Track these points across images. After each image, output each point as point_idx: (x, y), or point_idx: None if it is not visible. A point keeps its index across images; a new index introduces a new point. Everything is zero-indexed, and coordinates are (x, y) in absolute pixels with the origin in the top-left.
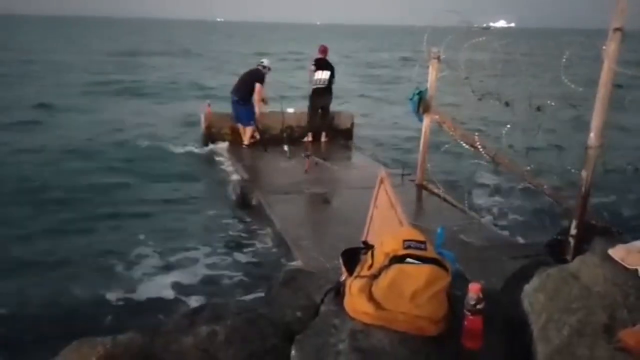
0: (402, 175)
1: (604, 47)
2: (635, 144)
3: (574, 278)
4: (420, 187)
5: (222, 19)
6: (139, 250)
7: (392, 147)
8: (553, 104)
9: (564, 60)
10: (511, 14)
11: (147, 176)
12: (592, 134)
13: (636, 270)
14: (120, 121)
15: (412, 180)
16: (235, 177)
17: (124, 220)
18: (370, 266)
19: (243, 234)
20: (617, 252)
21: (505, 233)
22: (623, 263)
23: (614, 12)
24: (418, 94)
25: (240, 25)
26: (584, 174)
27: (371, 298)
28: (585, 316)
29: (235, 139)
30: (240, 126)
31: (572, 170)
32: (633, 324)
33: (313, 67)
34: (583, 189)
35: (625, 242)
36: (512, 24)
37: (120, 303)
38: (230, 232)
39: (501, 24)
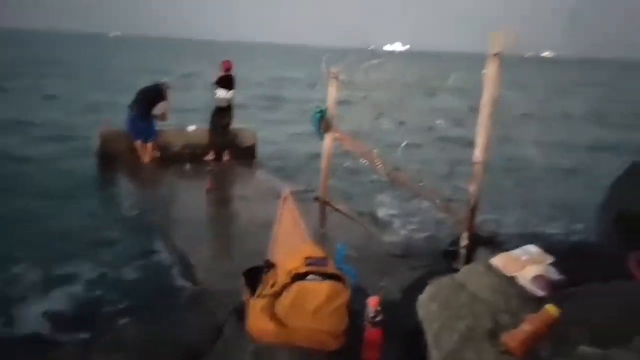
0: (306, 192)
1: (484, 71)
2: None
3: (463, 287)
4: (323, 204)
5: (119, 33)
6: (16, 270)
7: (296, 165)
8: (443, 122)
9: (450, 81)
10: (407, 38)
11: (35, 194)
12: (477, 151)
13: (515, 277)
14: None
15: (316, 198)
16: (133, 194)
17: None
18: (273, 285)
19: (142, 254)
20: (498, 261)
21: (404, 246)
22: (504, 271)
23: (493, 39)
24: (319, 112)
25: (143, 41)
26: (472, 188)
27: (274, 317)
28: (473, 322)
29: (133, 157)
30: (139, 143)
31: (461, 185)
32: (515, 328)
33: (215, 85)
34: (471, 202)
35: (507, 250)
36: (408, 46)
37: None
38: (128, 252)
39: (398, 47)
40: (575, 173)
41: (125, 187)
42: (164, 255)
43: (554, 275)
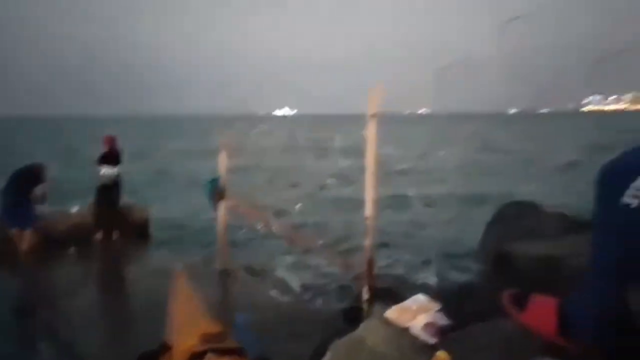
0: (203, 263)
1: (363, 132)
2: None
3: (362, 342)
4: (223, 273)
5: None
6: None
7: (192, 237)
8: (334, 181)
9: (335, 142)
10: (293, 102)
11: None
12: (367, 207)
13: (409, 327)
14: None
15: (215, 268)
16: (10, 289)
17: None
18: None
19: (21, 350)
20: (392, 313)
21: (307, 307)
22: (398, 322)
23: (370, 101)
24: (211, 182)
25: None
26: (366, 242)
27: None
28: None
29: (10, 247)
30: (16, 231)
31: (356, 241)
32: None
33: (99, 162)
34: (367, 256)
35: (402, 301)
36: (294, 112)
37: None
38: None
39: (285, 111)
40: (454, 221)
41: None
42: (50, 348)
43: (442, 320)
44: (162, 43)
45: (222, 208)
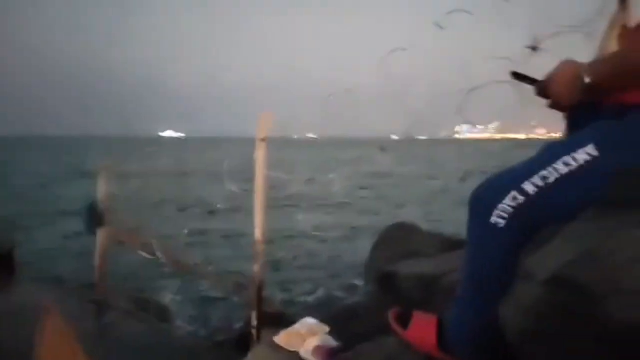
0: (78, 295)
1: (253, 156)
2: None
3: None
4: (101, 304)
5: None
6: None
7: (68, 268)
8: (222, 206)
9: (225, 166)
10: (179, 125)
11: None
12: (256, 231)
13: (299, 352)
14: None
15: (92, 299)
16: None
17: None
18: None
19: None
20: (281, 339)
21: (195, 337)
22: (288, 347)
23: (260, 125)
24: (88, 207)
25: None
26: (255, 267)
27: None
28: None
29: None
30: None
31: (247, 266)
32: None
33: None
34: (256, 281)
35: (291, 325)
36: (182, 134)
37: None
38: None
39: (169, 134)
40: (342, 243)
41: None
42: None
43: (331, 343)
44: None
45: (102, 235)
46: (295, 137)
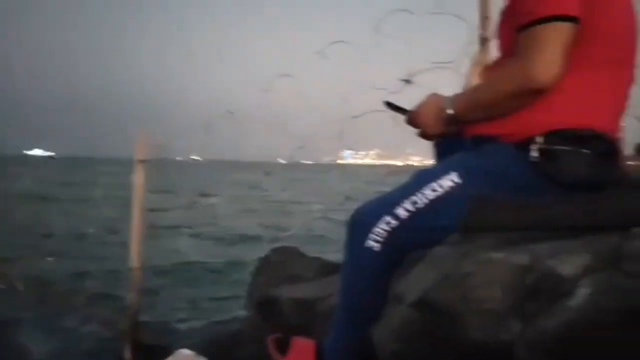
0: None
1: (130, 178)
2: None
3: None
4: None
5: None
6: None
7: None
8: (94, 230)
9: (100, 188)
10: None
11: None
12: (133, 257)
13: None
14: None
15: None
16: None
17: None
18: None
19: None
20: None
21: None
22: None
23: (139, 146)
24: None
25: None
26: (130, 295)
27: None
28: None
29: None
30: None
31: (121, 293)
32: None
33: None
34: (131, 310)
35: (167, 356)
36: (52, 153)
37: None
38: None
39: (37, 152)
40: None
41: None
42: None
43: None
44: None
45: None
46: (178, 159)
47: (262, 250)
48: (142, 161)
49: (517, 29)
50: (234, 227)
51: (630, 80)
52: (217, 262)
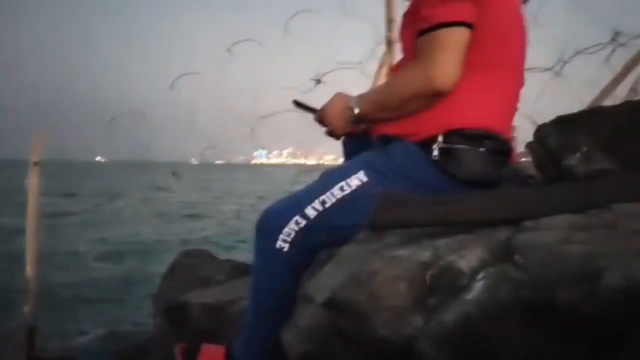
0: None
1: (26, 180)
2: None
3: None
4: None
5: None
6: None
7: None
8: None
9: None
10: None
11: None
12: (28, 267)
13: None
14: None
15: None
16: None
17: None
18: None
19: None
20: None
21: None
22: None
23: (34, 147)
24: None
25: None
26: (26, 307)
27: None
28: None
29: None
30: None
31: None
32: None
33: None
34: (27, 323)
35: None
36: None
37: None
38: None
39: None
40: (132, 272)
41: None
42: None
43: None
44: None
45: None
46: (79, 160)
47: (171, 254)
48: (36, 163)
49: (417, 33)
50: (141, 231)
51: (520, 82)
52: (122, 267)
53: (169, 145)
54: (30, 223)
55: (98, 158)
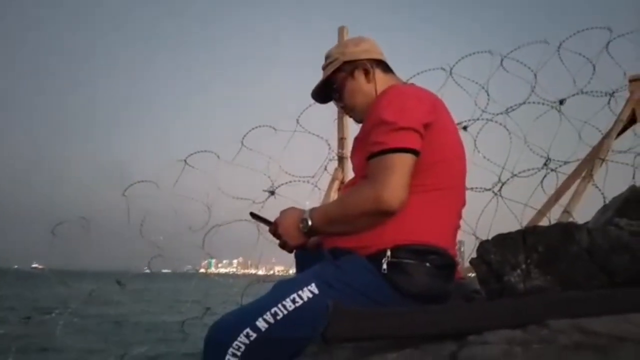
0: None
1: None
2: None
3: None
4: None
5: None
6: None
7: None
8: None
9: None
10: None
11: None
12: None
13: None
14: None
15: None
16: None
17: None
18: None
19: None
20: None
21: None
22: None
23: None
24: None
25: None
26: None
27: None
28: None
29: None
30: None
31: None
32: None
33: None
34: None
35: None
36: None
37: None
38: None
39: None
40: None
41: None
42: None
43: None
44: None
45: None
46: (15, 267)
47: None
48: None
49: (368, 156)
50: (74, 346)
51: (461, 201)
52: None
53: (113, 252)
54: None
55: (34, 265)
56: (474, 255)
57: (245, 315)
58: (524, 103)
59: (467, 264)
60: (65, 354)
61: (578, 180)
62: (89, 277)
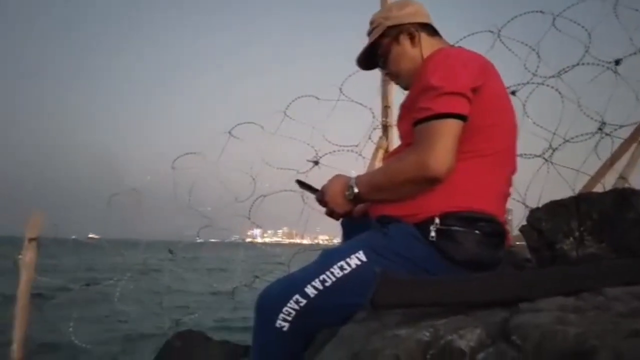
0: None
1: (20, 256)
2: None
3: None
4: None
5: None
6: None
7: None
8: None
9: None
10: None
11: None
12: (14, 346)
13: None
14: None
15: None
16: None
17: None
18: None
19: None
20: None
21: None
22: None
23: (30, 224)
24: None
25: None
26: None
27: None
28: None
29: None
30: None
31: None
32: None
33: None
34: None
35: None
36: None
37: None
38: None
39: None
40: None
41: None
42: None
43: None
44: None
45: None
46: (73, 237)
47: (162, 337)
48: (32, 239)
49: (414, 122)
50: (130, 312)
51: (512, 168)
52: (110, 347)
53: (165, 223)
54: (21, 299)
55: (91, 235)
56: (523, 223)
57: (295, 282)
58: (578, 64)
59: (515, 232)
60: (122, 318)
61: (635, 145)
62: (142, 246)
